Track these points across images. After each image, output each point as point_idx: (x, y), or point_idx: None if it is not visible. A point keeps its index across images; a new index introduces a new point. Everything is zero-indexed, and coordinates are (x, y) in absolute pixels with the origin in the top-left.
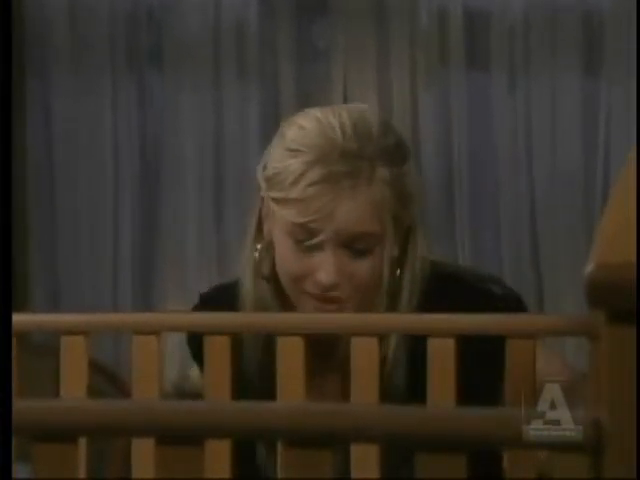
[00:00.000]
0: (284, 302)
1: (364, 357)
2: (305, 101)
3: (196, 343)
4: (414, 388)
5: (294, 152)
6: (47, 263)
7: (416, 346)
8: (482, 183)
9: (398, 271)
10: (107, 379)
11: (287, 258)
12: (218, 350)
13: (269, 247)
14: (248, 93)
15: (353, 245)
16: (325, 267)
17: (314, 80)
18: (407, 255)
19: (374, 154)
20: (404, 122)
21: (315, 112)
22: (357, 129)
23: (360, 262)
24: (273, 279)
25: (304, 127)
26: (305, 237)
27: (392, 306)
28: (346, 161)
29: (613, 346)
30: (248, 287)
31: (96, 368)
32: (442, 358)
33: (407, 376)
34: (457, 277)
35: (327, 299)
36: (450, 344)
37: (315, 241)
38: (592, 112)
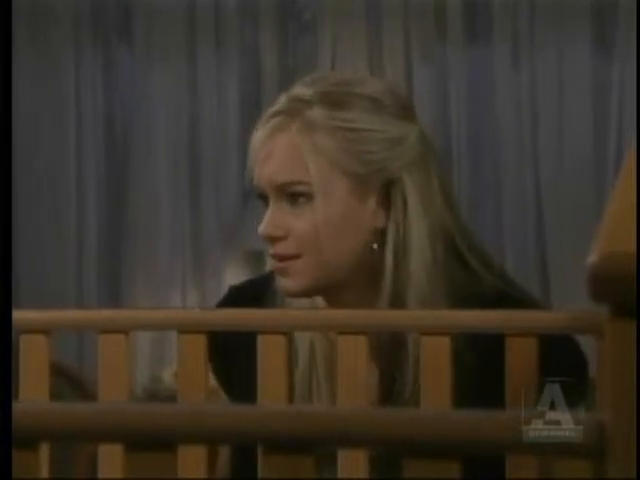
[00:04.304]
0: None
1: (351, 354)
2: (289, 77)
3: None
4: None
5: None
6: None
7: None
8: (483, 166)
9: (375, 245)
10: (70, 382)
11: None
12: (193, 349)
13: None
14: (226, 68)
15: (290, 195)
16: (262, 220)
17: (299, 54)
18: (388, 228)
19: (316, 96)
20: None
21: None
22: (319, 76)
23: (298, 213)
24: None
25: None
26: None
27: (375, 293)
28: (286, 103)
29: (617, 343)
30: None
31: (58, 370)
32: (437, 357)
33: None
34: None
35: (276, 256)
36: (445, 342)
37: (256, 193)
38: (603, 86)
